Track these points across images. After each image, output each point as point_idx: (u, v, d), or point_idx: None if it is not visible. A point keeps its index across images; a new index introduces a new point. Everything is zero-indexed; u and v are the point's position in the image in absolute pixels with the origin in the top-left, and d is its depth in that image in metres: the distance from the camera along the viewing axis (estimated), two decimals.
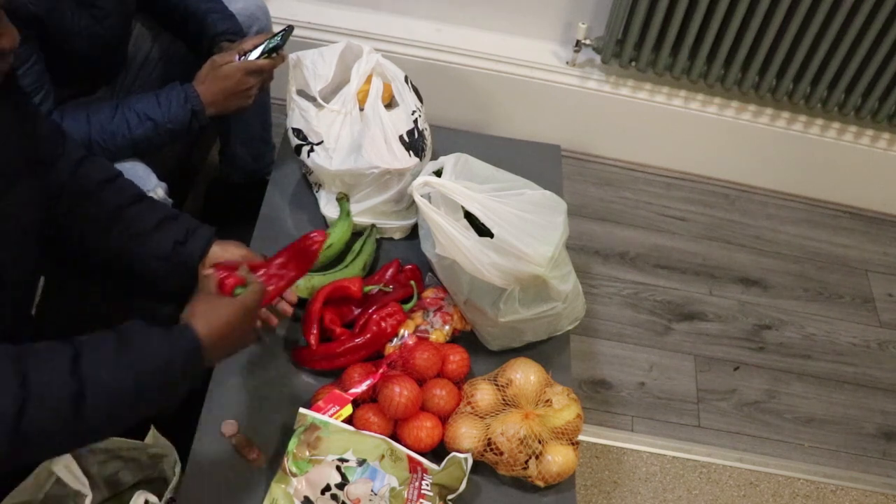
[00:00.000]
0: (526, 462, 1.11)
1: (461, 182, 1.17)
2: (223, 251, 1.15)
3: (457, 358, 1.19)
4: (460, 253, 1.11)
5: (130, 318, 1.20)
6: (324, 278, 1.28)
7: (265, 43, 1.35)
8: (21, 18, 1.14)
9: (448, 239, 1.11)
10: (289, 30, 1.37)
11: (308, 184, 1.46)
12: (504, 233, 1.10)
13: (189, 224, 1.15)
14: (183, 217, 1.16)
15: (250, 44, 1.37)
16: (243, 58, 1.34)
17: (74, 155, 1.11)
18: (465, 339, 1.27)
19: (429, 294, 1.29)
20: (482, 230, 1.13)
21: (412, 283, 1.29)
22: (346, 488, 1.03)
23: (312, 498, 1.04)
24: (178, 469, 1.17)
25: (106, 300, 1.23)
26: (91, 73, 1.43)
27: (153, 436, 1.17)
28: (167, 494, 1.13)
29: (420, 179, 1.14)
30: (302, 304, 1.26)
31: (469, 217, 1.17)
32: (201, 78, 1.33)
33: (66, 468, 1.10)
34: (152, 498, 1.10)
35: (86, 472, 1.16)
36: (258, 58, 1.33)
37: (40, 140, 1.05)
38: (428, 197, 1.18)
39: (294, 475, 1.04)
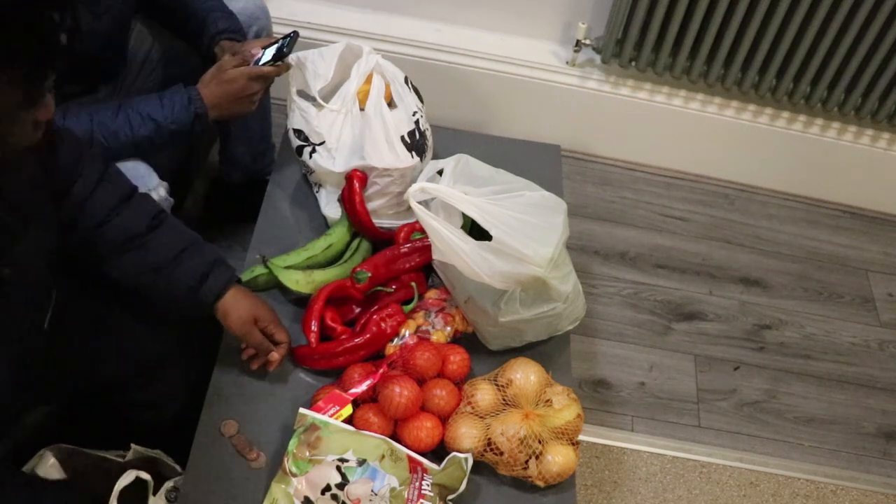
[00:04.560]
0: (526, 462, 1.11)
1: (460, 185, 1.17)
2: (235, 302, 1.12)
3: (457, 358, 1.19)
4: (459, 258, 1.11)
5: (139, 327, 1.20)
6: (325, 274, 1.28)
7: (271, 48, 1.35)
8: None
9: (446, 244, 1.11)
10: (294, 36, 1.37)
11: (308, 184, 1.46)
12: (503, 235, 1.10)
13: (206, 262, 1.12)
14: (201, 249, 1.14)
15: (256, 47, 1.37)
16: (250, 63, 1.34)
17: (91, 177, 1.09)
18: (466, 339, 1.27)
19: (431, 295, 1.29)
20: (483, 233, 1.13)
21: (413, 284, 1.29)
22: (346, 488, 1.04)
23: (312, 498, 1.04)
24: (177, 468, 1.18)
25: (116, 312, 1.22)
26: (91, 72, 1.43)
27: (134, 451, 1.17)
28: (170, 483, 1.13)
29: (416, 186, 1.14)
30: (303, 301, 1.26)
31: (473, 224, 1.17)
32: (206, 81, 1.33)
33: (51, 469, 1.10)
34: (144, 475, 1.10)
35: (76, 471, 1.16)
36: (264, 64, 1.33)
37: (59, 171, 1.05)
38: (427, 202, 1.18)
39: (294, 475, 1.04)
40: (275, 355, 1.15)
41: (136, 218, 1.11)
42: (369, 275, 1.24)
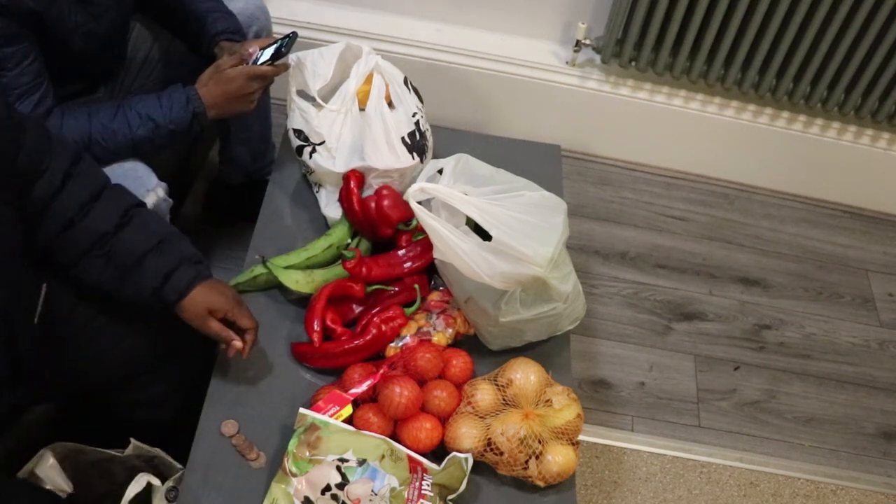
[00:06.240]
0: (526, 462, 1.11)
1: (460, 184, 1.17)
2: (206, 297, 1.11)
3: (459, 362, 1.19)
4: (458, 258, 1.11)
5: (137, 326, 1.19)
6: (325, 274, 1.28)
7: (270, 48, 1.35)
8: (20, 14, 1.15)
9: (446, 244, 1.11)
10: (293, 36, 1.37)
11: (308, 184, 1.46)
12: (503, 235, 1.10)
13: (171, 262, 1.10)
14: (169, 248, 1.11)
15: (254, 47, 1.37)
16: (248, 62, 1.34)
17: (57, 173, 1.06)
18: (466, 340, 1.27)
19: (434, 297, 1.28)
20: (485, 234, 1.13)
21: (416, 286, 1.29)
22: (346, 488, 1.03)
23: (312, 498, 1.04)
24: (177, 465, 1.18)
25: (113, 310, 1.22)
26: (89, 72, 1.43)
27: (134, 447, 1.18)
28: (169, 483, 1.14)
29: (416, 186, 1.14)
30: (303, 301, 1.26)
31: (471, 221, 1.17)
32: (204, 80, 1.33)
33: (51, 468, 1.10)
34: (155, 480, 1.11)
35: (77, 470, 1.16)
36: (262, 64, 1.33)
37: (23, 154, 1.01)
38: (427, 201, 1.18)
39: (294, 475, 1.04)
40: (237, 344, 1.12)
41: (104, 217, 1.08)
42: (356, 253, 1.25)
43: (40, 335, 1.07)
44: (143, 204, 1.15)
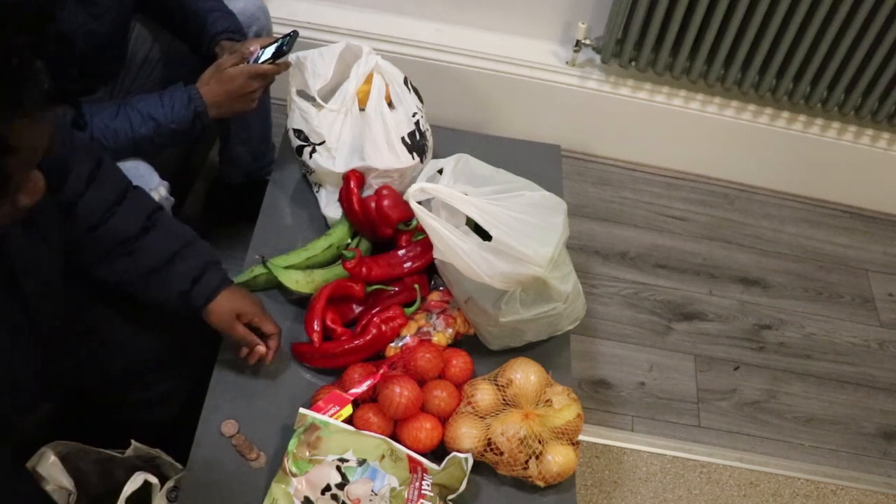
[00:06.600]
0: (526, 462, 1.11)
1: (460, 184, 1.17)
2: (233, 302, 1.12)
3: (459, 362, 1.19)
4: (458, 258, 1.11)
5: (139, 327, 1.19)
6: (325, 274, 1.28)
7: (271, 47, 1.35)
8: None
9: (446, 244, 1.11)
10: (294, 35, 1.37)
11: (308, 184, 1.46)
12: (503, 235, 1.10)
13: (197, 265, 1.11)
14: (193, 252, 1.12)
15: (255, 46, 1.37)
16: (249, 61, 1.34)
17: (82, 174, 1.06)
18: (466, 340, 1.27)
19: (434, 297, 1.28)
20: (485, 234, 1.13)
21: (416, 286, 1.29)
22: (346, 488, 1.04)
23: (312, 498, 1.04)
24: (178, 466, 1.18)
25: (116, 311, 1.22)
26: (89, 72, 1.43)
27: (135, 448, 1.18)
28: (170, 483, 1.14)
29: (416, 186, 1.14)
30: (303, 301, 1.26)
31: (471, 221, 1.17)
32: (205, 80, 1.33)
33: (52, 466, 1.10)
34: (152, 478, 1.11)
35: (77, 470, 1.16)
36: (263, 62, 1.33)
37: (52, 164, 1.03)
38: (427, 201, 1.18)
39: (294, 475, 1.04)
40: (261, 349, 1.14)
41: (129, 220, 1.09)
42: (356, 253, 1.25)
43: (59, 336, 1.07)
44: (162, 207, 1.16)
